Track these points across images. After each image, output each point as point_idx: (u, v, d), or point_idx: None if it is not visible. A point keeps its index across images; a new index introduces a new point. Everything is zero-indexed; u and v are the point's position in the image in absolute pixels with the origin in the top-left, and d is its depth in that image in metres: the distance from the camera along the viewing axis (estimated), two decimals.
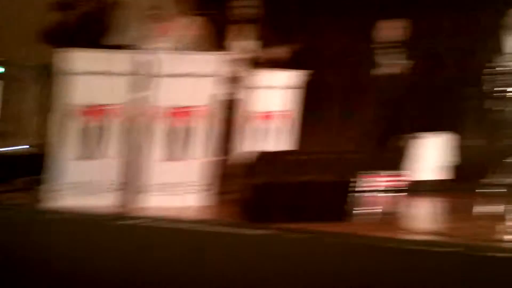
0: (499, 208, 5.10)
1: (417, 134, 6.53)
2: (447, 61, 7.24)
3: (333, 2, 7.30)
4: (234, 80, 5.89)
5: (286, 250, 4.27)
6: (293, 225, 4.48)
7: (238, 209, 4.82)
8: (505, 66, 5.47)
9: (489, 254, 4.01)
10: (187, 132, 5.25)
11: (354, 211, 4.94)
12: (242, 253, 4.31)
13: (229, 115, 5.81)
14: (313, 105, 6.46)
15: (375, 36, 6.62)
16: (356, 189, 5.03)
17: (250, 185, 4.80)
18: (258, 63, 5.99)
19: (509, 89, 5.39)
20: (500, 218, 4.97)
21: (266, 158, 4.97)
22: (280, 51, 6.03)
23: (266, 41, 6.04)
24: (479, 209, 5.21)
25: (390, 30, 6.59)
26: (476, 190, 5.50)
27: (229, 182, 5.44)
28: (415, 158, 6.51)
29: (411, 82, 6.49)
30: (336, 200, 4.84)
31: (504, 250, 4.07)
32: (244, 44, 6.04)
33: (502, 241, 4.42)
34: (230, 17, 6.09)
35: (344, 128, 6.75)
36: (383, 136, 6.41)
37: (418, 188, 6.39)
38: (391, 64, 6.49)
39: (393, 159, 6.46)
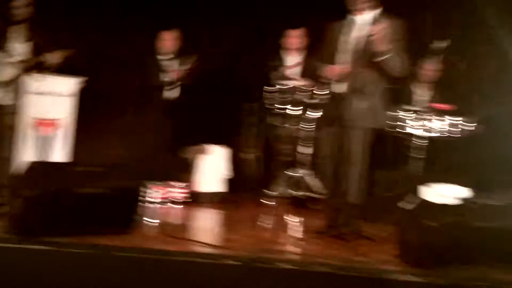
0: (275, 219, 5.27)
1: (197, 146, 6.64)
2: (229, 75, 7.44)
3: (113, 10, 7.24)
4: (8, 84, 5.56)
5: (59, 264, 4.11)
6: (69, 239, 4.30)
7: (10, 223, 4.52)
8: (284, 84, 5.67)
9: (266, 265, 4.10)
10: None
11: (134, 223, 4.83)
12: (12, 269, 4.06)
13: (3, 121, 5.47)
14: (91, 113, 6.32)
15: (157, 44, 6.62)
16: (137, 200, 4.93)
17: (22, 197, 4.51)
18: (34, 68, 5.69)
19: (285, 106, 5.61)
20: (276, 228, 5.14)
21: (41, 168, 4.72)
22: (56, 56, 5.77)
23: (42, 45, 5.76)
24: (258, 220, 5.35)
25: (171, 40, 6.62)
26: (254, 201, 5.66)
27: (1, 194, 5.13)
28: (197, 169, 6.60)
29: (191, 94, 6.56)
30: (116, 211, 4.70)
31: (280, 261, 4.17)
32: (19, 47, 5.73)
33: (279, 252, 4.53)
34: (3, 18, 5.74)
35: (124, 138, 6.66)
36: (165, 147, 6.41)
37: (198, 199, 6.49)
38: (173, 74, 6.52)
39: (174, 170, 6.49)
